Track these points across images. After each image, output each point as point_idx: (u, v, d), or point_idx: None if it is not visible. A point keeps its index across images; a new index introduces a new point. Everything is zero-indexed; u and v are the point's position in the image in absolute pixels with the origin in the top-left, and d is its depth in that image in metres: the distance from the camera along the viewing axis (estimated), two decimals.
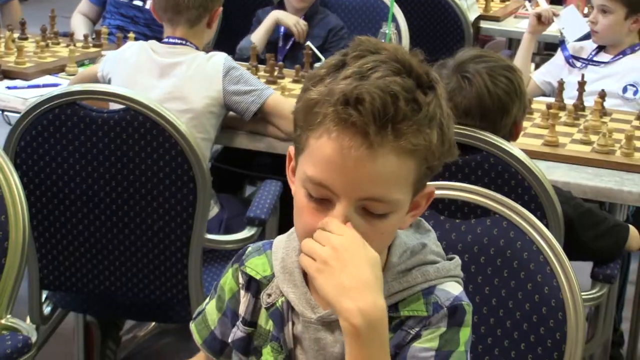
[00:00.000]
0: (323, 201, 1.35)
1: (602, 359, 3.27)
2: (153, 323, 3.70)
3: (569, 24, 4.00)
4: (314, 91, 1.33)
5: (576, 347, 1.80)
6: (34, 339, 2.08)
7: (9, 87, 3.46)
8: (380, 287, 1.31)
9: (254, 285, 1.59)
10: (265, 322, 1.58)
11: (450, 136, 1.39)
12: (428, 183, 1.44)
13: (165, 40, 3.13)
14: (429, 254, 1.49)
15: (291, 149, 1.43)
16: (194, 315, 1.71)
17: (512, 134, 2.52)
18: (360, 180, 1.31)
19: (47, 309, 3.10)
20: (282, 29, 4.16)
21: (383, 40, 3.81)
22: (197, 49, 3.12)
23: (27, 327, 2.11)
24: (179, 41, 3.10)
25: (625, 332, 3.68)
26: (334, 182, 1.32)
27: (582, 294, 1.85)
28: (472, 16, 4.99)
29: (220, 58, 3.10)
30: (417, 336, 1.42)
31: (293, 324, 1.54)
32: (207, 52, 3.16)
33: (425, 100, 1.32)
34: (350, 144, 1.27)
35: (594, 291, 2.55)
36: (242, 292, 1.61)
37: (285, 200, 3.02)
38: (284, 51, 4.19)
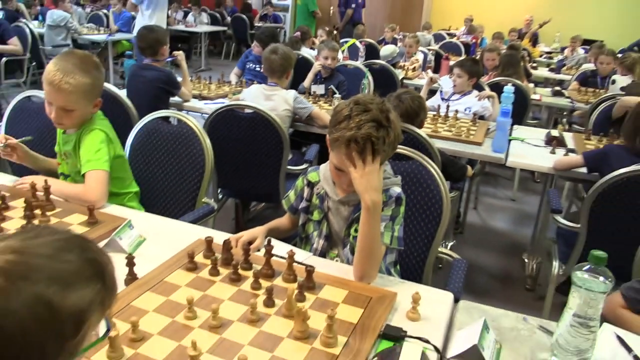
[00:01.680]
0: (342, 170, 1.38)
1: (452, 224, 3.24)
2: (264, 203, 3.67)
3: (444, 83, 3.91)
4: (336, 134, 1.34)
5: (446, 218, 1.79)
6: (215, 207, 2.07)
7: (205, 103, 3.43)
8: (381, 191, 1.35)
9: (310, 185, 1.62)
10: (315, 200, 1.61)
11: (399, 139, 1.40)
12: None
13: (268, 83, 3.06)
14: (387, 174, 1.46)
15: (328, 138, 1.42)
16: (283, 198, 1.71)
17: (420, 126, 2.48)
18: None
19: (220, 196, 3.08)
20: (318, 75, 4.07)
21: (363, 86, 3.76)
22: (281, 87, 3.05)
23: (212, 203, 2.09)
24: (274, 84, 3.04)
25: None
26: (344, 167, 1.36)
27: (449, 195, 1.81)
28: (400, 77, 4.91)
29: (292, 93, 3.04)
30: (382, 209, 1.40)
31: (327, 202, 1.53)
32: (287, 89, 3.09)
33: (388, 135, 1.33)
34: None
35: (452, 194, 2.51)
36: (306, 188, 1.61)
37: (320, 152, 3.00)
38: (321, 78, 4.10)
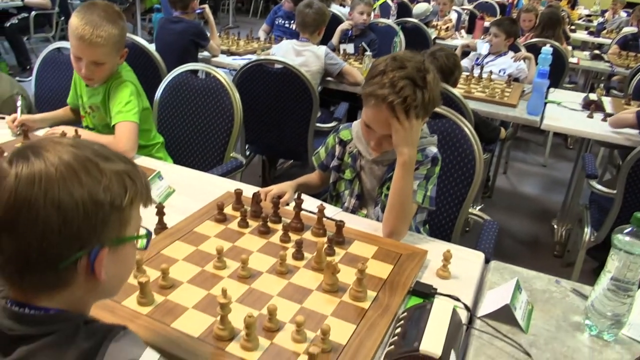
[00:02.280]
0: (371, 127, 1.36)
1: (480, 188, 3.18)
2: (291, 161, 3.65)
3: (480, 46, 3.76)
4: (368, 89, 1.30)
5: (478, 178, 1.75)
6: (244, 162, 2.06)
7: (233, 59, 3.37)
8: (416, 147, 1.32)
9: (342, 143, 1.57)
10: (347, 159, 1.57)
11: (435, 102, 1.33)
12: None
13: (300, 39, 2.99)
14: (423, 133, 1.42)
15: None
16: (313, 154, 1.70)
17: (454, 85, 2.41)
18: (384, 124, 1.30)
19: (247, 153, 3.05)
20: (349, 32, 3.98)
21: (394, 45, 3.67)
22: (313, 43, 2.98)
23: (240, 157, 2.08)
24: (305, 40, 2.97)
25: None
26: (372, 124, 1.34)
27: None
28: (433, 36, 4.76)
29: (323, 49, 2.97)
30: (417, 168, 1.37)
31: (360, 161, 1.50)
32: (318, 45, 3.01)
33: (423, 95, 1.27)
34: (381, 113, 1.29)
35: (485, 155, 2.41)
36: (337, 146, 1.58)
37: (349, 111, 2.95)
38: (351, 36, 3.99)
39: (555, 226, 3.15)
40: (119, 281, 0.78)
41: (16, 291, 0.68)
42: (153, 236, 1.27)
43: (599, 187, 2.31)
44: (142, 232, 0.78)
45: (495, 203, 3.50)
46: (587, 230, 2.33)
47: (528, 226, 3.28)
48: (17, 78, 4.88)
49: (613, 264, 1.06)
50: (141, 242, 0.79)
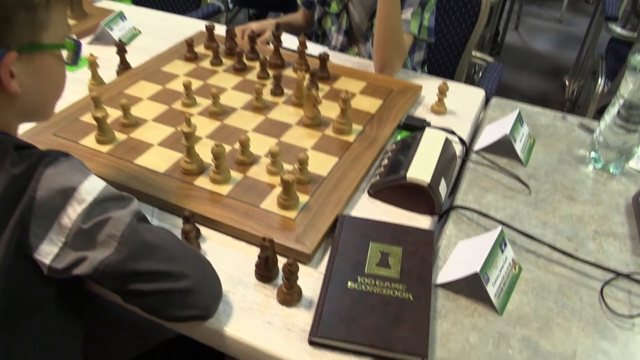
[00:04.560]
0: None
1: (488, 43, 3.02)
2: (282, 15, 3.41)
3: None
4: None
5: (484, 16, 1.61)
6: (222, 7, 1.90)
7: None
8: None
9: None
10: None
11: None
12: None
13: None
14: None
15: None
16: None
17: None
18: None
19: (230, 6, 2.75)
20: None
21: None
22: None
23: (217, 2, 1.91)
24: None
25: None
26: None
27: None
28: None
29: None
30: None
31: None
32: None
33: None
34: None
35: None
36: None
37: None
38: None
39: (567, 82, 3.03)
40: (42, 98, 0.68)
41: None
42: (115, 77, 1.19)
43: (619, 29, 2.16)
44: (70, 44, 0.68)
45: (504, 60, 3.34)
46: (601, 81, 2.23)
47: (537, 83, 3.16)
48: None
49: (627, 87, 0.97)
50: (68, 55, 0.69)
